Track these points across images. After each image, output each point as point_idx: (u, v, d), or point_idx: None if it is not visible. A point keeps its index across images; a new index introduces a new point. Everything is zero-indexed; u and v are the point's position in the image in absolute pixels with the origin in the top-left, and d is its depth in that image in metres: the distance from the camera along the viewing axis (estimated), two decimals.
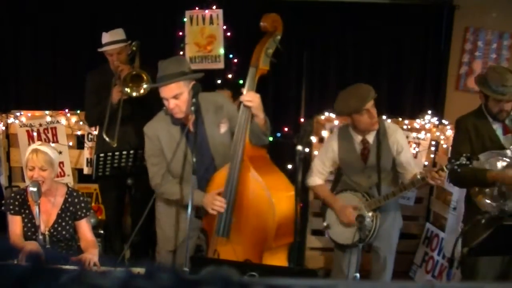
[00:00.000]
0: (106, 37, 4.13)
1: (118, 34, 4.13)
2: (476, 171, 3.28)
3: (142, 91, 3.96)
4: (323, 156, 3.62)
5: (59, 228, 3.17)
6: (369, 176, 3.47)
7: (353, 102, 3.34)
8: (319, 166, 3.62)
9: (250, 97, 2.81)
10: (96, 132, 4.75)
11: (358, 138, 3.49)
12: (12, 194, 3.22)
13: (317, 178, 3.61)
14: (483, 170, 3.26)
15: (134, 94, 3.95)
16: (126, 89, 3.94)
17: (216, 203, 2.89)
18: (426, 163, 4.78)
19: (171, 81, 2.92)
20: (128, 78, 3.95)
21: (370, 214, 3.40)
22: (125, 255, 3.48)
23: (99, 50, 4.15)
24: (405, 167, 3.44)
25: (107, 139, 3.98)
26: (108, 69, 4.16)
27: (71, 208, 3.19)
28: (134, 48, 4.19)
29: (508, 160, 3.27)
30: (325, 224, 3.63)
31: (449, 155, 3.83)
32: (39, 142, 3.42)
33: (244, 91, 2.85)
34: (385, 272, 3.63)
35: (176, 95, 2.94)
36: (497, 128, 3.35)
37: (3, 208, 3.18)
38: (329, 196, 3.59)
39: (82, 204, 3.21)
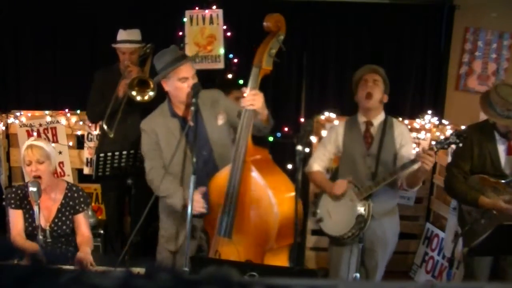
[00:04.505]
0: (122, 35, 4.13)
1: (135, 34, 4.15)
2: (470, 191, 3.31)
3: (146, 97, 3.95)
4: (326, 140, 3.60)
5: (60, 223, 3.19)
6: (369, 167, 3.42)
7: (357, 72, 3.50)
8: (320, 152, 3.57)
9: (250, 101, 2.81)
10: (96, 132, 4.75)
11: (362, 119, 3.46)
12: (14, 189, 3.23)
13: (316, 164, 3.56)
14: (477, 193, 3.28)
15: (138, 98, 3.95)
16: (132, 92, 3.94)
17: (194, 204, 2.87)
18: None
19: (187, 60, 3.06)
20: (135, 82, 3.95)
21: (361, 203, 3.33)
22: (125, 255, 3.49)
23: (113, 45, 4.15)
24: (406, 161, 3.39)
25: (105, 127, 4.00)
26: (116, 69, 4.17)
27: (70, 203, 3.22)
28: (147, 51, 4.20)
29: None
30: (318, 217, 3.58)
31: (448, 161, 3.83)
32: (33, 138, 3.44)
33: (247, 91, 2.85)
34: (376, 274, 3.56)
35: (193, 74, 3.05)
36: (502, 146, 3.33)
37: (3, 203, 3.20)
38: (325, 181, 3.53)
39: (81, 199, 3.24)
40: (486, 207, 3.25)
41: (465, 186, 3.36)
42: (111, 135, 4.00)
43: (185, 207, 3.01)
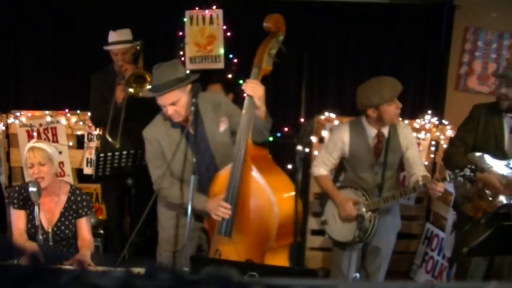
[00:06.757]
0: (112, 36, 4.13)
1: (125, 34, 4.14)
2: (467, 163, 3.28)
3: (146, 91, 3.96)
4: (331, 148, 3.54)
5: (62, 227, 3.19)
6: (376, 173, 3.43)
7: (386, 91, 3.25)
8: (325, 157, 3.55)
9: (250, 87, 2.78)
10: (96, 132, 4.75)
11: (373, 131, 3.41)
12: (16, 188, 3.23)
13: (322, 168, 3.56)
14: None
15: (138, 94, 3.95)
16: (130, 89, 3.94)
17: (221, 209, 2.87)
18: (426, 163, 4.77)
19: (166, 91, 2.90)
20: (132, 78, 3.96)
21: (368, 214, 3.39)
22: (125, 255, 3.48)
23: (105, 48, 4.15)
24: (411, 164, 3.39)
25: (110, 139, 4.00)
26: (112, 69, 4.16)
27: (73, 206, 3.22)
28: (138, 48, 4.20)
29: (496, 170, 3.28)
30: (322, 219, 3.61)
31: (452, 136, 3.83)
32: (35, 140, 3.46)
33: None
34: (379, 273, 3.60)
35: (174, 102, 2.94)
36: (508, 125, 3.34)
37: (6, 201, 3.20)
38: (331, 189, 3.54)
39: (85, 203, 3.24)
40: (480, 180, 3.24)
41: (465, 159, 3.31)
42: (117, 146, 3.99)
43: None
